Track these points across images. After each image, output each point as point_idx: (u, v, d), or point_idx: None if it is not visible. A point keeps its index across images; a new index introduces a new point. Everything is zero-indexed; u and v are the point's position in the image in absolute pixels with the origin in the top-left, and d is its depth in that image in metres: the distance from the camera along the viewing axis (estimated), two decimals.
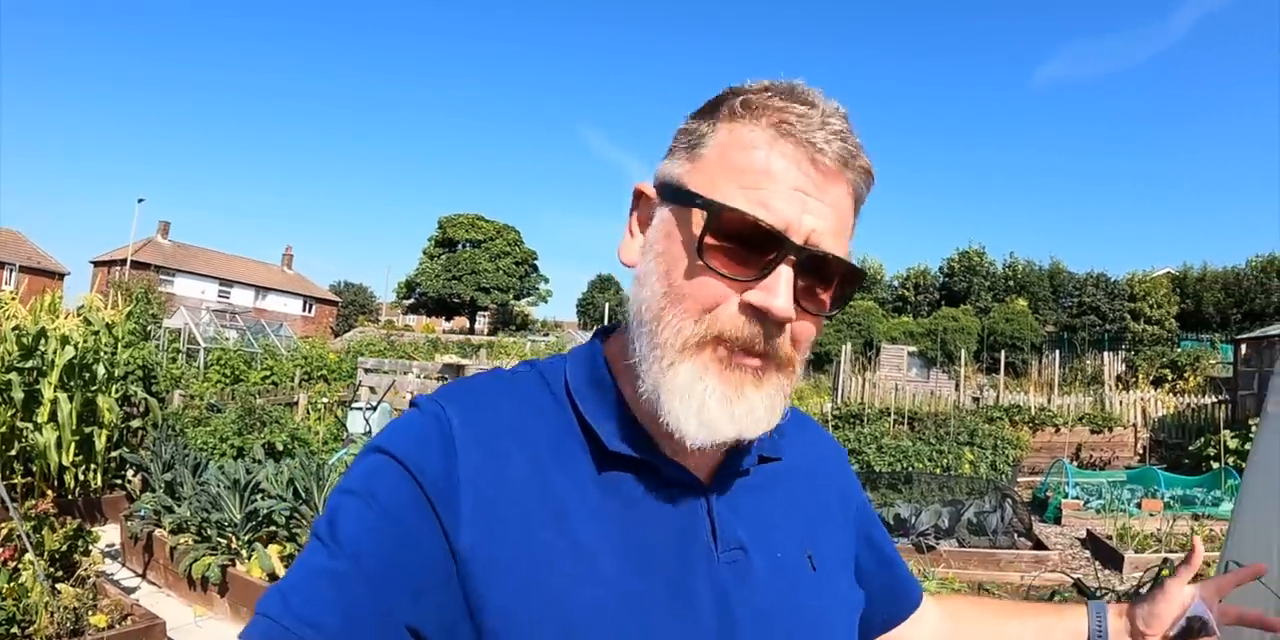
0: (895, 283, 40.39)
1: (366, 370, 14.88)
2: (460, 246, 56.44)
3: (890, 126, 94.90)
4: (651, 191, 0.90)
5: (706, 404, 0.81)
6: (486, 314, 59.88)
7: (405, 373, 14.78)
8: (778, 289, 0.79)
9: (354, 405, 10.75)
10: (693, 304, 0.81)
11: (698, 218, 0.81)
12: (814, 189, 0.81)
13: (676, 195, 0.85)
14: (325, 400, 14.60)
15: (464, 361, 15.80)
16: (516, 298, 58.04)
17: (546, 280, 59.76)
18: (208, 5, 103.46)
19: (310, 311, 64.25)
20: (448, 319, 59.08)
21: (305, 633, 0.75)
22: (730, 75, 0.99)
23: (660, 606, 0.82)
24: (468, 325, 57.90)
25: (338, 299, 68.61)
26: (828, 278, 0.84)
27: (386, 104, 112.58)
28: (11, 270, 47.71)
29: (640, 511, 0.86)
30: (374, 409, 10.17)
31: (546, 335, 43.49)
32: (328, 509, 0.82)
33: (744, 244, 0.80)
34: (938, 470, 12.59)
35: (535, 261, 58.90)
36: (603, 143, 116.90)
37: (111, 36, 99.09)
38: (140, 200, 49.27)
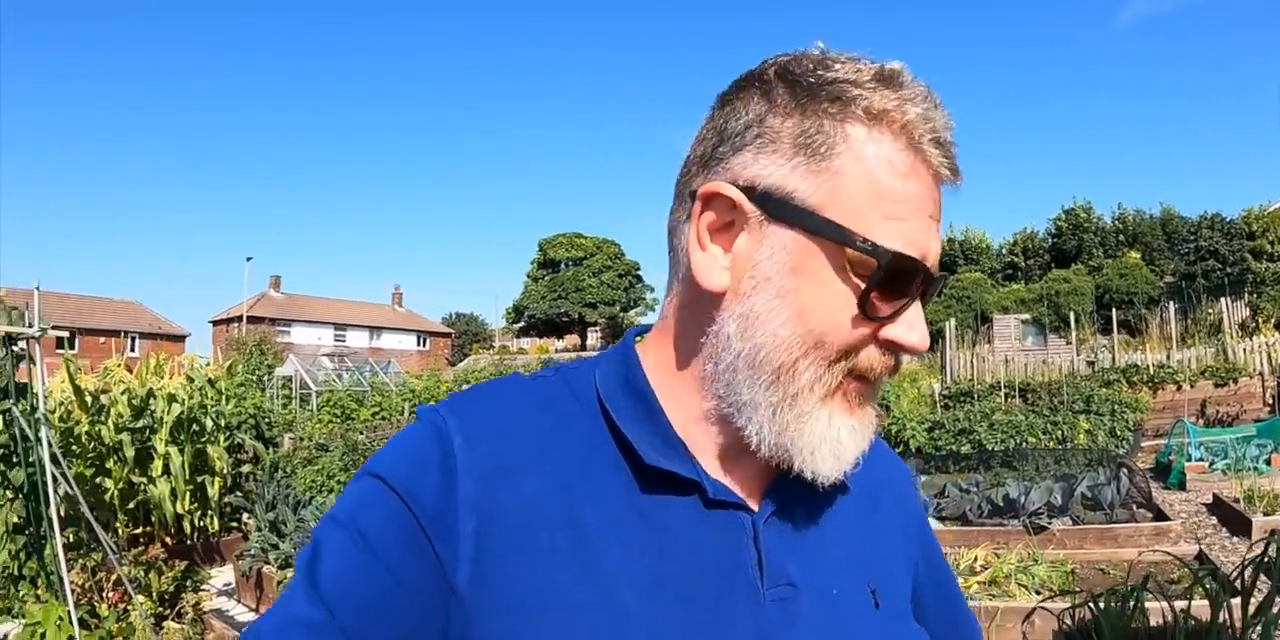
0: (1003, 250, 38.75)
1: None
2: (562, 266, 57.41)
3: (978, 88, 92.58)
4: (740, 199, 0.75)
5: (842, 443, 0.76)
6: (597, 329, 60.64)
7: None
8: (918, 324, 0.75)
9: None
10: (836, 350, 0.74)
11: (851, 258, 0.73)
12: (938, 211, 0.76)
13: (813, 224, 0.73)
14: None
15: None
16: (624, 310, 58.61)
17: (651, 289, 60.22)
18: (287, 52, 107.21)
19: (425, 345, 66.08)
20: (559, 338, 60.02)
21: None
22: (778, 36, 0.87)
23: None
24: (579, 342, 58.63)
25: (450, 331, 70.41)
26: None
27: (472, 135, 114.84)
28: (134, 338, 50.29)
29: (677, 538, 0.77)
30: None
31: None
32: (313, 540, 0.76)
33: (892, 284, 0.73)
34: (1052, 443, 12.19)
35: (638, 272, 59.49)
36: (684, 139, 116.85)
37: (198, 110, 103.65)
38: (249, 259, 51.46)
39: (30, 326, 5.64)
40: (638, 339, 0.89)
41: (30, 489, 5.86)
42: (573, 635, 0.71)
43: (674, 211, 0.83)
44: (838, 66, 0.75)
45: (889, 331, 0.74)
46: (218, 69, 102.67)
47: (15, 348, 5.76)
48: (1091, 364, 17.91)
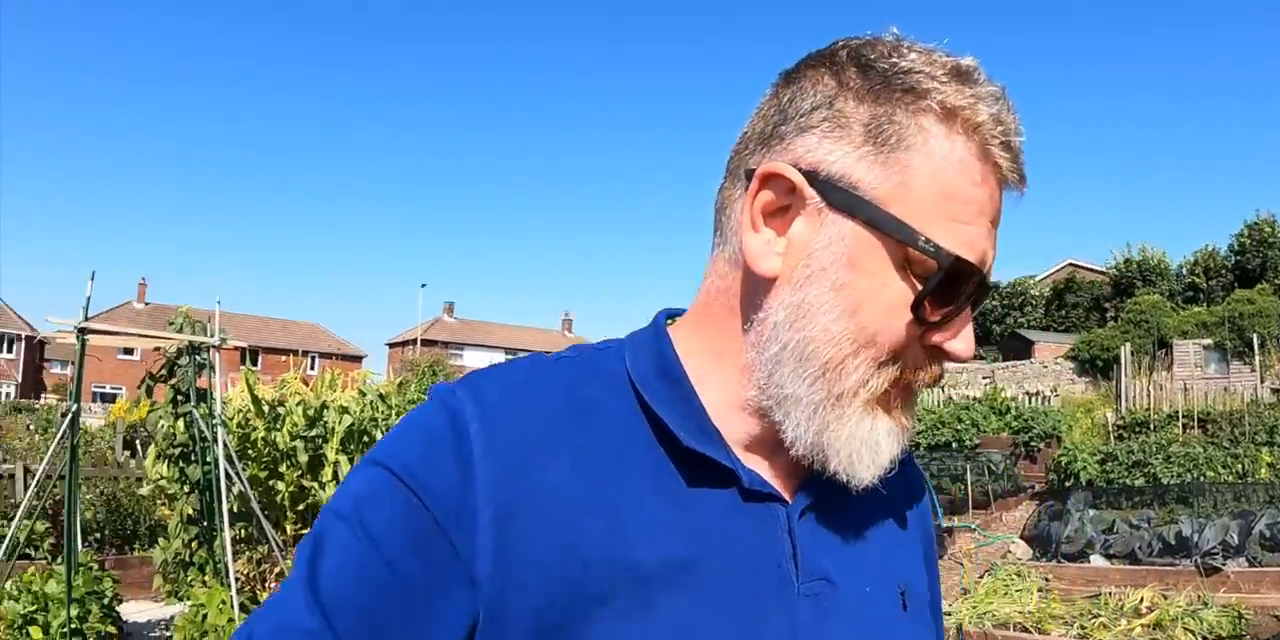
0: (1183, 270, 36.09)
1: None
2: None
3: (1150, 98, 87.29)
4: (801, 183, 0.73)
5: (880, 447, 0.75)
6: None
7: None
8: (966, 332, 0.74)
9: None
10: (886, 351, 0.72)
11: (911, 257, 0.71)
12: (999, 218, 0.75)
13: (876, 218, 0.71)
14: None
15: None
16: None
17: None
18: (464, 76, 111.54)
19: None
20: None
21: None
22: None
23: None
24: None
25: None
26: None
27: (637, 160, 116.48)
28: (313, 357, 53.63)
29: (711, 527, 0.74)
30: None
31: None
32: (313, 534, 0.72)
33: (948, 288, 0.71)
34: (1231, 478, 11.46)
35: None
36: None
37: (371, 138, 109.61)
38: (423, 285, 54.06)
39: (211, 337, 6.33)
40: (669, 322, 0.87)
41: (205, 485, 6.54)
42: (603, 627, 0.68)
43: (724, 188, 0.81)
44: (912, 56, 0.73)
45: (938, 337, 0.73)
46: (398, 97, 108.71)
47: (198, 357, 6.47)
48: (1277, 392, 16.68)
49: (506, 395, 0.75)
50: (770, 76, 0.81)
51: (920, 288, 0.71)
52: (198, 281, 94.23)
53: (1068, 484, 12.79)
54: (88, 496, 8.90)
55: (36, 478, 6.43)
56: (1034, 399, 18.98)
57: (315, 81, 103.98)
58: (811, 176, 0.72)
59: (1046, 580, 8.28)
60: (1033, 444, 16.02)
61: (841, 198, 0.72)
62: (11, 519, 6.66)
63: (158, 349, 6.28)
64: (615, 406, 0.77)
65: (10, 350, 51.51)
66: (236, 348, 7.18)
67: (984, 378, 26.37)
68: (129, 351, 44.70)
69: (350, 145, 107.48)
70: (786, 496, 0.79)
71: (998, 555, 9.56)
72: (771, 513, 0.77)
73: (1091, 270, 41.27)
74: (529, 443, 0.72)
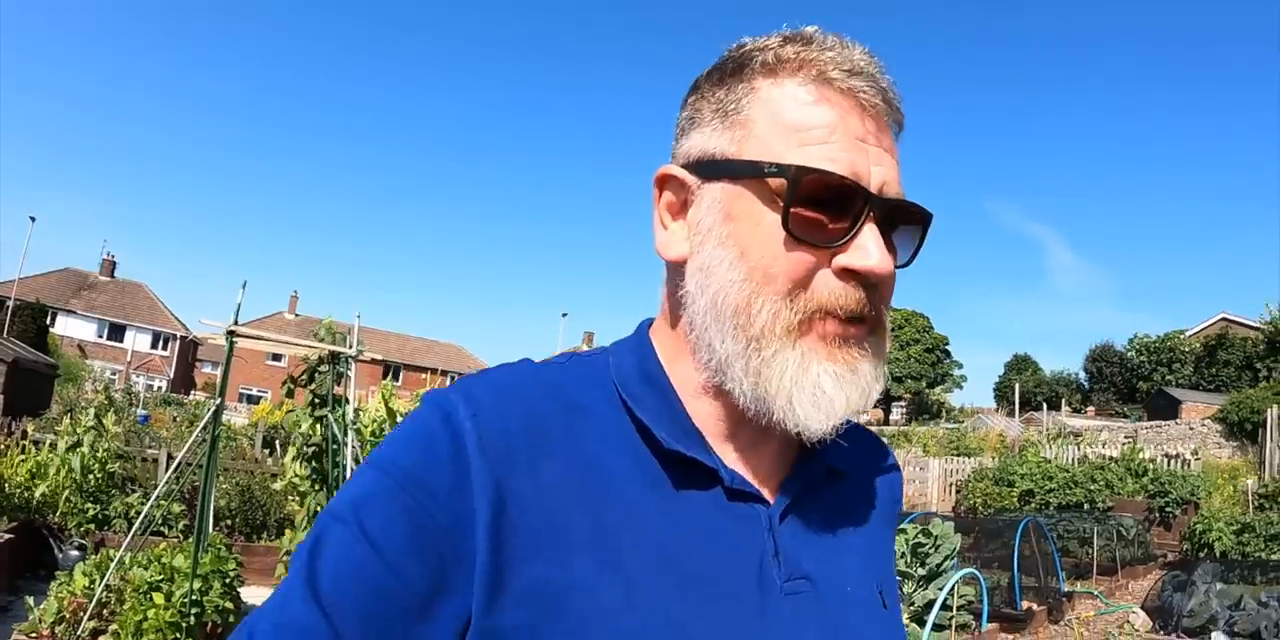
0: None
1: None
2: None
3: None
4: (681, 173, 0.81)
5: (824, 391, 0.74)
6: (902, 404, 59.24)
7: None
8: (870, 247, 0.74)
9: None
10: (784, 282, 0.74)
11: (767, 188, 0.75)
12: (871, 137, 0.77)
13: (728, 169, 0.78)
14: None
15: None
16: (930, 385, 56.98)
17: (960, 365, 58.29)
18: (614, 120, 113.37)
19: None
20: (861, 411, 59.06)
21: None
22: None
23: None
24: (883, 416, 57.43)
25: None
26: (898, 226, 0.80)
27: None
28: (452, 377, 55.09)
29: (695, 527, 0.76)
30: None
31: (960, 422, 41.96)
32: (313, 535, 0.73)
33: (825, 206, 0.74)
34: None
35: (947, 346, 57.72)
36: (1014, 215, 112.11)
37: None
38: (564, 315, 54.91)
39: (350, 348, 6.68)
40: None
41: (335, 483, 6.85)
42: (591, 622, 0.70)
43: None
44: (748, 41, 0.82)
45: (843, 258, 0.74)
46: (572, 137, 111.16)
47: (337, 366, 6.83)
48: None
49: (497, 397, 0.76)
50: None
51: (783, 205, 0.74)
52: (347, 297, 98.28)
53: (1201, 554, 12.16)
54: (224, 485, 9.25)
55: (176, 462, 6.88)
56: (1173, 462, 18.08)
57: (494, 115, 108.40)
58: (689, 167, 0.81)
59: None
60: (1168, 509, 15.17)
61: (708, 169, 0.79)
62: (151, 497, 7.11)
63: (305, 358, 6.65)
64: (601, 409, 0.79)
65: (165, 347, 54.51)
66: (374, 360, 7.53)
67: (1125, 437, 25.12)
68: (276, 358, 47.02)
69: (514, 177, 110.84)
70: (768, 495, 0.81)
71: (1116, 625, 9.17)
72: (754, 512, 0.79)
73: (1246, 325, 39.13)
74: (523, 444, 0.73)
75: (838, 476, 0.88)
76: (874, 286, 0.76)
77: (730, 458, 0.81)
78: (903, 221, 0.80)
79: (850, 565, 0.85)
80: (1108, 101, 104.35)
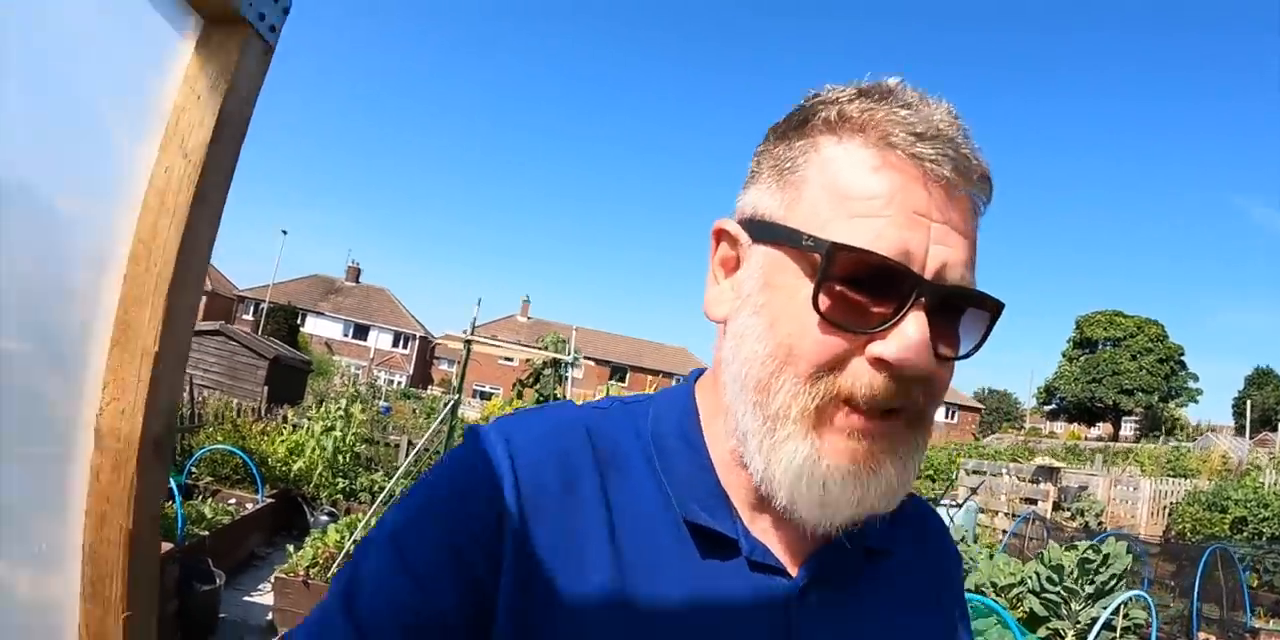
0: None
1: (968, 471, 15.88)
2: (1099, 346, 54.30)
3: None
4: (735, 229, 0.77)
5: (829, 489, 0.69)
6: (1133, 418, 55.97)
7: (997, 474, 15.47)
8: (911, 337, 0.66)
9: (941, 501, 11.97)
10: (808, 364, 0.68)
11: (806, 260, 0.69)
12: (936, 212, 0.68)
13: (772, 233, 0.72)
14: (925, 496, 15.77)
15: (1058, 464, 15.95)
16: (1163, 399, 53.46)
17: (1196, 378, 54.44)
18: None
19: (953, 418, 65.31)
20: (1089, 425, 56.30)
21: None
22: None
23: None
24: (1113, 431, 54.53)
25: (980, 406, 68.84)
26: (961, 313, 0.72)
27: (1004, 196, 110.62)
28: (678, 379, 55.41)
29: (713, 594, 0.73)
30: (959, 506, 11.10)
31: (1193, 440, 39.32)
32: (354, 560, 0.74)
33: (866, 286, 0.67)
34: None
35: (1182, 357, 54.00)
36: (1264, 210, 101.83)
37: None
38: None
39: (567, 354, 7.67)
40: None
41: None
42: None
43: None
44: (823, 91, 0.76)
45: (877, 347, 0.67)
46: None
47: (559, 370, 7.82)
48: None
49: (538, 439, 0.76)
50: None
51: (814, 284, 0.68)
52: (573, 303, 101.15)
53: None
54: None
55: (416, 448, 7.61)
56: None
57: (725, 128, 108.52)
58: (742, 222, 0.77)
59: None
60: None
61: (757, 229, 0.74)
62: (392, 477, 8.04)
63: (529, 362, 7.64)
64: (636, 465, 0.78)
65: (405, 346, 58.18)
66: (599, 362, 8.47)
67: None
68: (508, 359, 49.66)
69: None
70: (792, 569, 0.77)
71: None
72: (773, 585, 0.75)
73: None
74: (552, 501, 0.73)
75: (878, 555, 0.83)
76: (918, 379, 0.69)
77: (759, 527, 0.77)
78: (972, 305, 0.72)
79: None
80: None
